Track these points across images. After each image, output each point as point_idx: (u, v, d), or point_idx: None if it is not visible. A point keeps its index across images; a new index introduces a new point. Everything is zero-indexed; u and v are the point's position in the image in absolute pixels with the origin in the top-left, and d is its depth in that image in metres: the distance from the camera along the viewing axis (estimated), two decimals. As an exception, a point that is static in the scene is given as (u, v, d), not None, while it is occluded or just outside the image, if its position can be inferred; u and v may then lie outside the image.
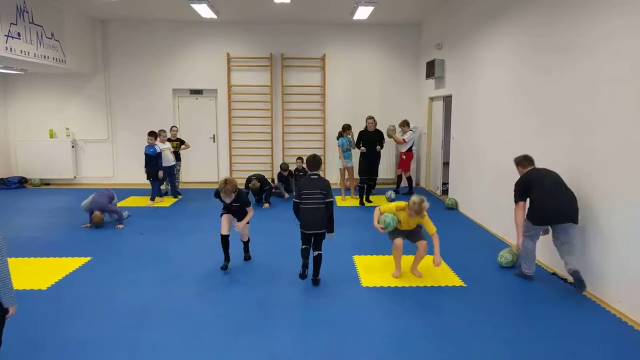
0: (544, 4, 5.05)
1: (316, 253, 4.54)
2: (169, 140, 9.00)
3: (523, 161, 4.68)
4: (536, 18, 5.24)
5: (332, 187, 4.72)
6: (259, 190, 8.10)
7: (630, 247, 3.74)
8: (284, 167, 8.93)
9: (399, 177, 9.49)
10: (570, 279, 4.27)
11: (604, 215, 4.08)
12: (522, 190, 4.49)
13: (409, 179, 9.34)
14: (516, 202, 4.53)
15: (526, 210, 4.48)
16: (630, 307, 3.77)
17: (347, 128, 8.57)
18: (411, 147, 9.30)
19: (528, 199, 4.46)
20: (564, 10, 4.68)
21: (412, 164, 9.52)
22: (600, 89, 4.13)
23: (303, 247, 4.53)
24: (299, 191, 4.51)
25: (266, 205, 8.05)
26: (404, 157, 9.24)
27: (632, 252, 3.72)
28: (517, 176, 4.66)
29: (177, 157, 9.17)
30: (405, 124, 9.26)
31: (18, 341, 3.36)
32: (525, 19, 5.50)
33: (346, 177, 8.87)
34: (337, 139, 8.81)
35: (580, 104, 4.42)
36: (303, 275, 4.41)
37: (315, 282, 4.55)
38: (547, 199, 4.28)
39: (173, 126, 9.27)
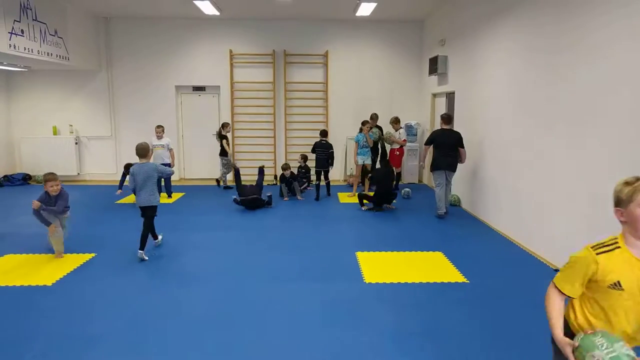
0: (549, 2, 5.03)
1: (325, 182, 8.57)
2: (221, 136, 9.08)
3: (446, 117, 7.03)
4: (541, 17, 5.22)
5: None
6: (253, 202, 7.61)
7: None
8: (284, 166, 8.50)
9: (397, 175, 9.49)
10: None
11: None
12: (430, 140, 7.02)
13: (398, 174, 9.42)
14: (425, 145, 7.22)
15: (430, 154, 7.05)
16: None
17: (364, 123, 8.50)
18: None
19: (432, 151, 6.99)
20: (569, 10, 4.66)
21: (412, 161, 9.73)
22: (604, 90, 4.12)
23: (317, 182, 8.45)
24: (315, 148, 8.47)
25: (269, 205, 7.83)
26: (397, 153, 9.31)
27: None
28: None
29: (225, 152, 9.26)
30: (396, 121, 9.25)
31: (24, 336, 3.40)
32: (530, 17, 5.47)
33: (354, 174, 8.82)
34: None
35: (584, 104, 4.41)
36: (317, 198, 8.32)
37: (329, 194, 8.62)
38: (441, 158, 6.85)
39: (227, 123, 9.29)
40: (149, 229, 5.28)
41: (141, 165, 5.16)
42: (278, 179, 8.96)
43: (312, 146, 8.65)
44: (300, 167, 8.97)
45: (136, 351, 3.23)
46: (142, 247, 5.16)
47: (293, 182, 8.52)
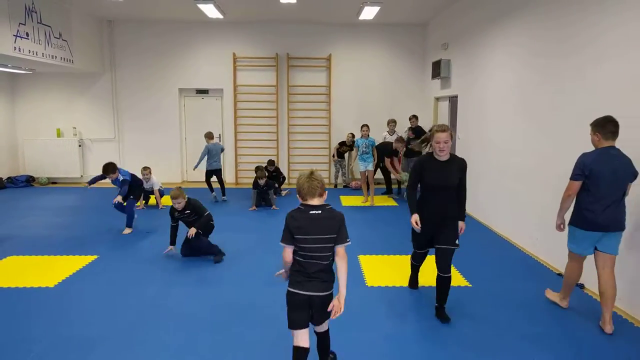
0: (552, 7, 5.03)
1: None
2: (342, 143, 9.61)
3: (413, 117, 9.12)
4: (544, 21, 5.22)
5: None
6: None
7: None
8: (260, 174, 7.71)
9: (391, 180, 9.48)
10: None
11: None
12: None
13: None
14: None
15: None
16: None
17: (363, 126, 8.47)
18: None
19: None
20: (573, 14, 4.65)
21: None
22: (607, 94, 4.11)
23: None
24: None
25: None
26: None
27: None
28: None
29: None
30: (393, 122, 9.40)
31: (25, 337, 3.40)
32: (533, 21, 5.47)
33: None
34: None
35: (587, 108, 4.40)
36: None
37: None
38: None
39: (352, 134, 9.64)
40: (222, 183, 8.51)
41: (214, 144, 8.39)
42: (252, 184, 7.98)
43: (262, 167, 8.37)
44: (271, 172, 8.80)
45: (136, 354, 3.22)
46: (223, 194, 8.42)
47: (269, 191, 7.86)
